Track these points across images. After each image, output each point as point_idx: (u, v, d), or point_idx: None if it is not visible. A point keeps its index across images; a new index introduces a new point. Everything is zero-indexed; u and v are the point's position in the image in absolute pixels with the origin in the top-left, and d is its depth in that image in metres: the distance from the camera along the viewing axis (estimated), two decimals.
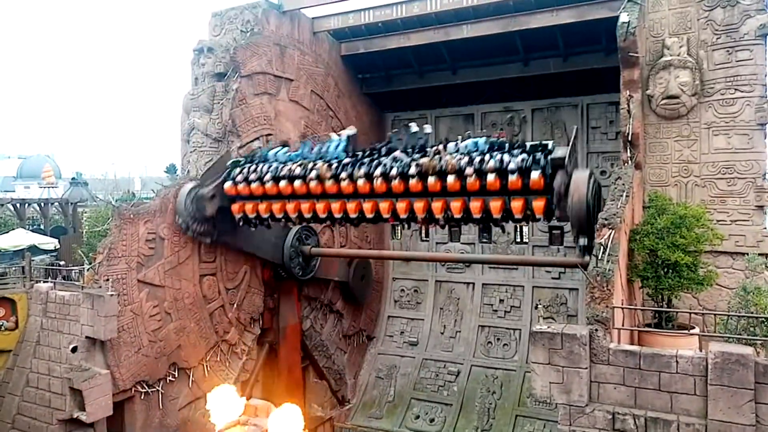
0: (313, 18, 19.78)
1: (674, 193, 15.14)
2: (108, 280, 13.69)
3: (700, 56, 14.99)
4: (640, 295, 13.84)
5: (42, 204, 38.95)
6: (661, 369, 9.34)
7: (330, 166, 13.69)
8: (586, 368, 9.78)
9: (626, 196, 12.66)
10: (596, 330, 9.96)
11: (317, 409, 19.75)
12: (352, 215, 13.84)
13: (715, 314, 12.51)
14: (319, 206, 14.12)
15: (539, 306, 20.59)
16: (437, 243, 22.91)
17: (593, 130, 20.06)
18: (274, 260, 17.51)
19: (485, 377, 20.21)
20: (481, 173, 11.93)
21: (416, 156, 12.81)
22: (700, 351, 9.76)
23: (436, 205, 12.68)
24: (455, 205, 12.47)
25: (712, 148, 14.97)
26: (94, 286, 13.90)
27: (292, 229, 17.81)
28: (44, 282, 16.01)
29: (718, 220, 14.44)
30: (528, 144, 12.34)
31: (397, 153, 13.06)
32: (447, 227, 16.32)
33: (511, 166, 11.62)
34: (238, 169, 15.16)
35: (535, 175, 11.07)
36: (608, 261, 10.89)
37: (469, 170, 11.90)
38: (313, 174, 13.76)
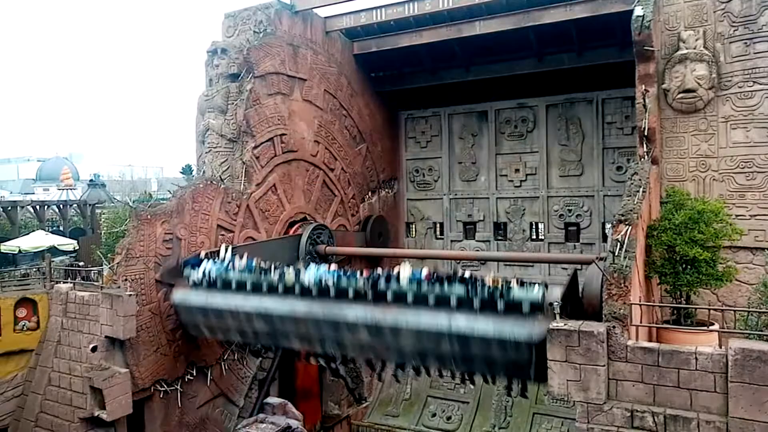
0: (325, 17, 19.82)
1: (692, 188, 14.95)
2: (126, 280, 13.86)
3: (716, 49, 14.78)
4: (658, 291, 13.70)
5: (61, 206, 39.51)
6: (680, 366, 9.24)
7: None
8: (604, 365, 9.71)
9: (643, 191, 12.55)
10: (614, 327, 9.88)
11: (334, 407, 19.82)
12: None
13: (734, 310, 12.36)
14: None
15: (554, 303, 20.42)
16: (452, 241, 22.87)
17: (608, 125, 19.90)
18: None
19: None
20: None
21: None
22: (720, 348, 9.64)
23: None
24: None
25: (730, 142, 14.76)
26: (112, 286, 14.07)
27: (304, 234, 17.89)
28: (64, 282, 16.23)
29: (737, 215, 14.23)
30: None
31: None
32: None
33: None
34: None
35: None
36: (625, 257, 10.80)
37: None
38: None
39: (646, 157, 14.55)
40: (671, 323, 12.34)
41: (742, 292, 14.05)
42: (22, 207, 36.63)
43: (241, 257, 14.36)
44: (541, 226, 21.49)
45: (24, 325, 15.62)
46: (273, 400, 17.23)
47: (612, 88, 19.53)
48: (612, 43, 17.96)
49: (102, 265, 17.41)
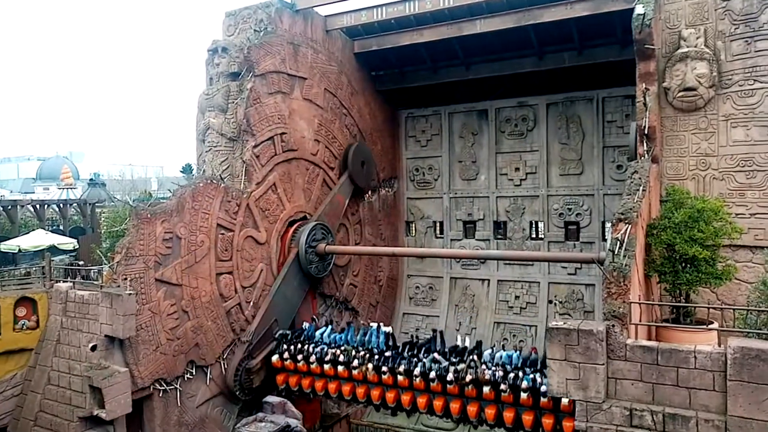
0: (326, 16, 19.81)
1: (692, 187, 14.95)
2: (126, 279, 13.85)
3: (717, 47, 14.77)
4: (657, 290, 13.69)
5: (61, 205, 39.56)
6: (680, 365, 9.25)
7: (372, 356, 14.96)
8: (603, 364, 9.72)
9: (643, 190, 12.54)
10: (613, 326, 9.89)
11: (333, 406, 19.82)
12: (390, 404, 14.87)
13: (734, 309, 12.36)
14: (360, 390, 15.26)
15: (554, 301, 20.49)
16: (452, 240, 22.88)
17: (609, 123, 19.89)
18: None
19: None
20: (515, 389, 12.71)
21: (454, 360, 13.92)
22: (719, 346, 9.63)
23: (472, 409, 13.53)
24: (489, 412, 13.31)
25: (730, 141, 14.75)
26: (112, 286, 14.05)
27: (305, 230, 17.90)
28: (64, 282, 16.23)
29: (736, 214, 14.22)
30: None
31: (436, 355, 14.16)
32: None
33: (543, 389, 12.14)
34: (285, 346, 16.40)
35: (564, 401, 11.09)
36: (625, 256, 10.80)
37: (503, 386, 12.78)
38: (356, 363, 15.06)
39: (646, 155, 14.54)
40: (670, 322, 12.34)
41: (741, 291, 14.05)
42: (22, 206, 36.66)
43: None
44: (541, 224, 21.49)
45: (23, 324, 15.63)
46: (272, 399, 17.23)
47: (612, 87, 19.51)
48: (613, 41, 17.95)
49: (102, 264, 17.41)
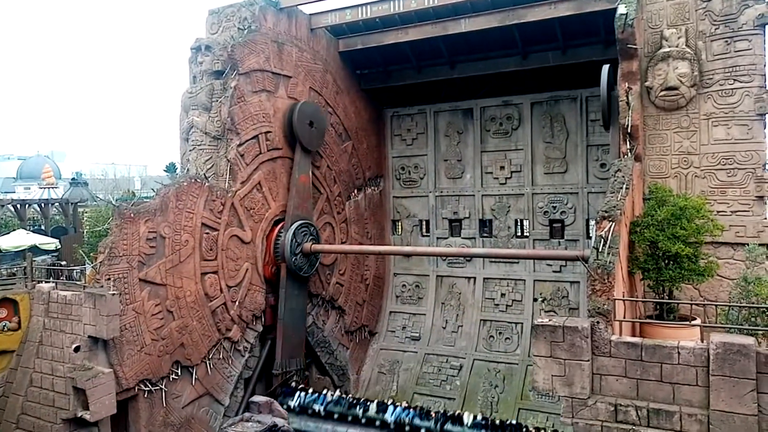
0: (310, 14, 19.74)
1: (674, 185, 15.15)
2: (109, 279, 13.71)
3: (698, 47, 14.97)
4: (641, 287, 13.85)
5: (42, 204, 39.01)
6: (663, 360, 9.36)
7: None
8: (588, 360, 9.80)
9: (626, 188, 12.67)
10: (598, 322, 9.97)
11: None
12: None
13: (716, 305, 12.53)
14: None
15: (539, 299, 20.64)
16: (438, 238, 22.95)
17: (592, 122, 20.07)
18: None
19: (487, 371, 20.27)
20: None
21: None
22: (702, 342, 9.76)
23: None
24: None
25: (711, 139, 14.97)
26: (95, 286, 13.91)
27: (294, 225, 17.86)
28: (46, 282, 16.02)
29: (718, 211, 14.45)
30: None
31: None
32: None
33: None
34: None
35: None
36: (609, 253, 10.90)
37: None
38: None
39: (629, 154, 14.69)
40: (654, 318, 12.49)
41: (723, 287, 14.27)
42: (3, 206, 36.10)
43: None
44: (526, 222, 21.63)
45: (5, 325, 15.39)
46: (259, 398, 17.21)
47: (596, 86, 19.52)
48: (596, 41, 18.11)
49: (84, 265, 17.22)
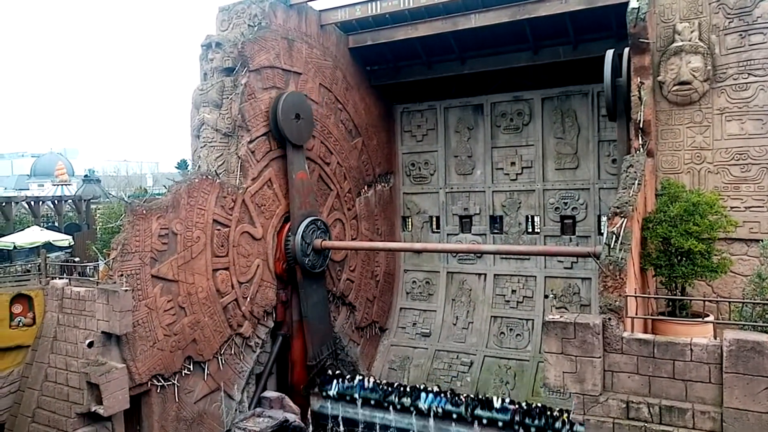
0: (320, 11, 19.74)
1: (687, 180, 15.00)
2: (122, 275, 13.83)
3: (711, 41, 14.79)
4: (653, 283, 13.75)
5: (56, 201, 39.33)
6: (676, 357, 9.30)
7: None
8: (600, 357, 9.76)
9: (638, 183, 12.58)
10: (609, 319, 9.93)
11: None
12: None
13: (729, 302, 12.43)
14: None
15: (550, 295, 20.56)
16: (448, 234, 22.91)
17: (604, 118, 19.90)
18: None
19: (498, 368, 20.23)
20: None
21: None
22: (715, 339, 9.69)
23: None
24: None
25: (725, 134, 14.79)
26: (108, 282, 14.04)
27: (306, 220, 17.90)
28: (60, 278, 16.20)
29: (731, 207, 14.29)
30: None
31: None
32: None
33: None
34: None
35: None
36: (621, 250, 10.83)
37: None
38: None
39: (641, 149, 14.57)
40: (666, 315, 12.39)
41: (736, 284, 14.12)
42: (17, 203, 36.45)
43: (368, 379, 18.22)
44: (536, 219, 21.53)
45: (20, 321, 15.60)
46: (270, 394, 17.30)
47: None
48: (607, 35, 17.96)
49: (97, 261, 17.38)
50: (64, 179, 53.27)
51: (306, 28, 19.05)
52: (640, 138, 14.83)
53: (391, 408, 17.23)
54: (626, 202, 11.86)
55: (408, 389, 17.37)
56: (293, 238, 17.83)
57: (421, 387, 17.52)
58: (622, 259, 10.66)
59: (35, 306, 15.74)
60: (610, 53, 15.36)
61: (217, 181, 16.18)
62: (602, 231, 18.74)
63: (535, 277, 21.06)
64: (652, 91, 15.14)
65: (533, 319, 20.59)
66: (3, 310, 15.30)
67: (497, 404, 15.95)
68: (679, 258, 12.25)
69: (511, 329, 20.88)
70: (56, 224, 36.36)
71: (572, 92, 20.50)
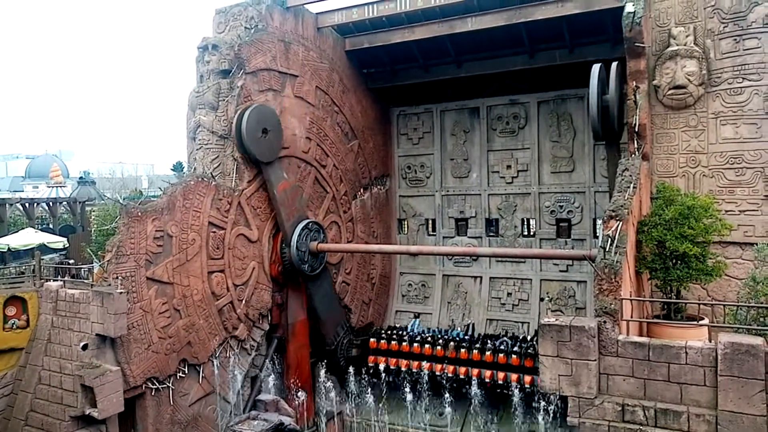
0: (317, 13, 19.75)
1: (682, 184, 15.07)
2: (117, 277, 13.78)
3: (706, 45, 14.88)
4: (648, 286, 13.80)
5: (50, 203, 39.24)
6: (671, 360, 9.33)
7: (453, 340, 18.85)
8: (595, 360, 9.79)
9: (633, 187, 12.63)
10: (605, 322, 9.96)
11: (327, 404, 19.81)
12: (462, 376, 18.19)
13: (724, 305, 12.47)
14: (437, 366, 18.55)
15: (546, 298, 20.59)
16: (444, 237, 22.93)
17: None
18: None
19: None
20: None
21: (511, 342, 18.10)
22: (710, 342, 9.72)
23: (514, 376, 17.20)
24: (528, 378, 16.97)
25: (720, 138, 14.88)
26: (103, 284, 13.98)
27: (297, 227, 17.87)
28: (54, 280, 16.13)
29: (726, 211, 14.36)
30: None
31: (506, 339, 18.52)
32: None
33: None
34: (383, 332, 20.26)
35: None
36: (616, 253, 10.88)
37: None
38: (441, 342, 18.78)
39: (636, 153, 14.63)
40: (661, 318, 12.44)
41: (731, 287, 14.19)
42: (11, 204, 36.34)
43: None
44: (532, 222, 21.58)
45: (13, 323, 15.52)
46: (265, 397, 17.23)
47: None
48: (603, 39, 18.04)
49: (92, 263, 17.31)
50: (59, 181, 53.05)
51: (303, 30, 19.07)
52: (635, 142, 14.90)
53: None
54: (621, 206, 11.91)
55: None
56: (288, 250, 17.79)
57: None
58: (617, 262, 10.70)
59: (29, 308, 15.67)
60: (596, 68, 14.76)
61: (213, 183, 16.15)
62: (598, 234, 18.78)
63: (531, 280, 21.09)
64: (647, 95, 15.22)
65: (529, 322, 20.61)
66: None
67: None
68: (674, 261, 12.29)
69: (506, 332, 20.86)
70: (51, 226, 36.28)
71: (568, 96, 20.57)
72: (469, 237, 22.41)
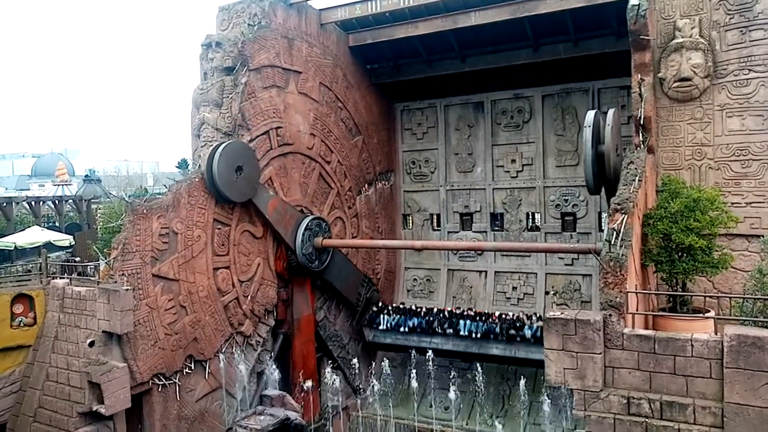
0: (320, 9, 19.73)
1: (688, 177, 15.00)
2: (123, 275, 13.84)
3: (712, 37, 14.78)
4: (654, 279, 13.75)
5: (56, 201, 39.33)
6: (676, 353, 9.30)
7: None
8: (601, 353, 9.77)
9: (639, 180, 12.57)
10: (610, 315, 9.93)
11: (332, 398, 19.86)
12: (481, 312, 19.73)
13: (730, 297, 12.43)
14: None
15: (551, 292, 20.55)
16: (449, 232, 22.90)
17: (604, 115, 19.87)
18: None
19: (499, 365, 20.20)
20: None
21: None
22: (716, 334, 9.69)
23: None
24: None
25: (725, 130, 14.79)
26: (109, 281, 14.04)
27: (298, 232, 17.94)
28: (61, 278, 16.20)
29: (732, 203, 14.29)
30: None
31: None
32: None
33: None
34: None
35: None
36: (621, 246, 10.84)
37: None
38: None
39: (642, 145, 14.57)
40: (667, 311, 12.39)
41: (737, 279, 14.13)
42: (18, 203, 36.47)
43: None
44: (537, 216, 21.54)
45: (21, 321, 15.61)
46: (271, 392, 17.29)
47: (608, 78, 19.50)
48: (608, 32, 17.93)
49: (98, 260, 17.38)
50: (65, 179, 53.26)
51: (306, 26, 19.05)
52: (640, 135, 14.83)
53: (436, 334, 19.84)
54: (627, 199, 11.86)
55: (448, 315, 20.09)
56: (295, 257, 18.04)
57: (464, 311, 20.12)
58: (622, 255, 10.66)
59: (36, 306, 15.75)
60: (590, 115, 13.77)
61: None
62: (603, 228, 18.73)
63: (536, 273, 21.05)
64: (652, 88, 15.13)
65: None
66: (4, 310, 15.31)
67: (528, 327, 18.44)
68: (679, 254, 12.24)
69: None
70: (57, 224, 36.35)
71: (572, 89, 20.48)
72: (474, 231, 22.38)
